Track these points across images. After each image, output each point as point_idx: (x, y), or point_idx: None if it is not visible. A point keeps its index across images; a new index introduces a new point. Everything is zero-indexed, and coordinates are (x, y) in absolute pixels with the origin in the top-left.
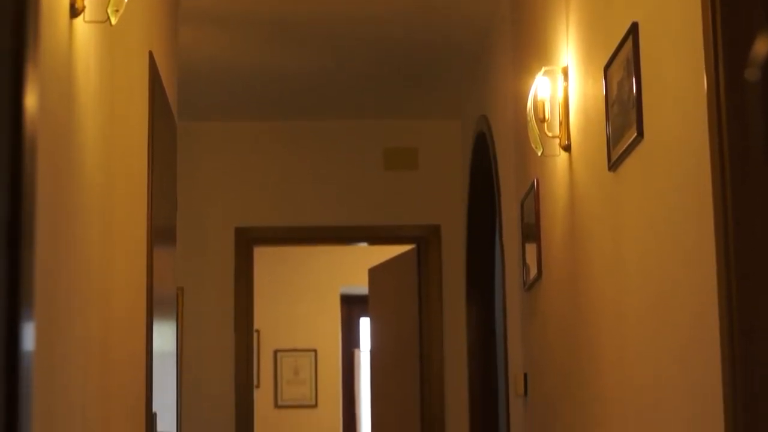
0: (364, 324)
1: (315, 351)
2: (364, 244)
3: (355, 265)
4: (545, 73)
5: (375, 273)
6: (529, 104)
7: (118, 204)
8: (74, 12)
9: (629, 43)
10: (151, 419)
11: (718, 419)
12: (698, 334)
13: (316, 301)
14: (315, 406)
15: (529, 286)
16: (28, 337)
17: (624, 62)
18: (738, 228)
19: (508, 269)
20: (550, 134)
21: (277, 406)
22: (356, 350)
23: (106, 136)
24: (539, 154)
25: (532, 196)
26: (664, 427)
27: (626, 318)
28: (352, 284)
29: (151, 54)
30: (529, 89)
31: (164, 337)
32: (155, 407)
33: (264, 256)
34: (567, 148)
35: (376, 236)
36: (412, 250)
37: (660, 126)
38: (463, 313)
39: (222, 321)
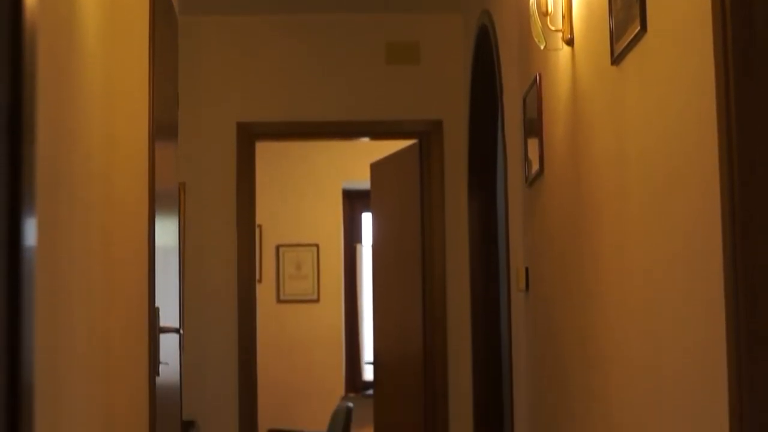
0: (366, 219)
1: (317, 246)
2: (366, 139)
3: (356, 160)
4: None
5: (377, 168)
6: None
7: (119, 99)
8: None
9: None
10: (153, 314)
11: (718, 312)
12: (700, 228)
13: (318, 196)
14: (317, 300)
15: (531, 181)
16: (30, 232)
17: None
18: (741, 121)
19: (510, 164)
20: (552, 28)
21: (279, 300)
22: (358, 245)
23: (106, 31)
24: (542, 47)
25: (535, 91)
26: (664, 318)
27: (627, 212)
28: (353, 179)
29: None
30: None
31: (166, 232)
32: (158, 302)
33: (266, 151)
34: (570, 42)
35: (378, 131)
36: (414, 144)
37: (663, 19)
38: (465, 207)
39: (224, 216)
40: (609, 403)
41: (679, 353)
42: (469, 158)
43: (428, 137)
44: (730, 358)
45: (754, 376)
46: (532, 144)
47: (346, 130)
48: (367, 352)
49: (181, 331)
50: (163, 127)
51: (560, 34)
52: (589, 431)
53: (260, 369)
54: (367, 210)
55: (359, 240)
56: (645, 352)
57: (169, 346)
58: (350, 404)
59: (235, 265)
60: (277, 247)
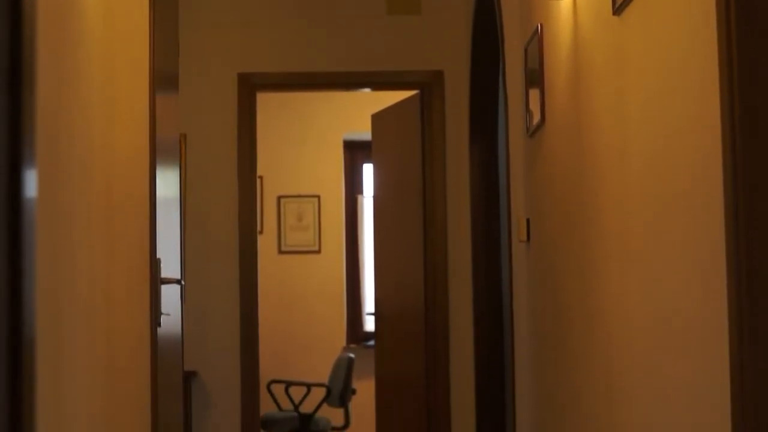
0: (367, 170)
1: (318, 197)
2: (367, 90)
3: (358, 111)
4: None
5: (378, 119)
6: None
7: (119, 50)
8: None
9: None
10: (155, 265)
11: (719, 266)
12: (701, 180)
13: (319, 147)
14: (318, 251)
15: (532, 132)
16: (31, 183)
17: None
18: (743, 72)
19: (512, 115)
20: None
21: (280, 251)
22: (359, 196)
23: None
24: None
25: (536, 41)
26: (665, 267)
27: (629, 163)
28: (355, 130)
29: None
30: None
31: (168, 183)
32: (159, 253)
33: (267, 102)
34: None
35: (380, 82)
36: (415, 95)
37: None
38: (466, 158)
39: (225, 167)
40: (610, 353)
41: (679, 306)
42: (470, 109)
43: (429, 88)
44: (731, 311)
45: (755, 327)
46: (534, 94)
47: (347, 81)
48: (369, 303)
49: (183, 282)
50: (164, 77)
51: None
52: (590, 382)
53: (261, 320)
54: (369, 161)
55: (360, 191)
56: (645, 305)
57: (170, 297)
58: (351, 355)
59: (236, 216)
60: (279, 198)
